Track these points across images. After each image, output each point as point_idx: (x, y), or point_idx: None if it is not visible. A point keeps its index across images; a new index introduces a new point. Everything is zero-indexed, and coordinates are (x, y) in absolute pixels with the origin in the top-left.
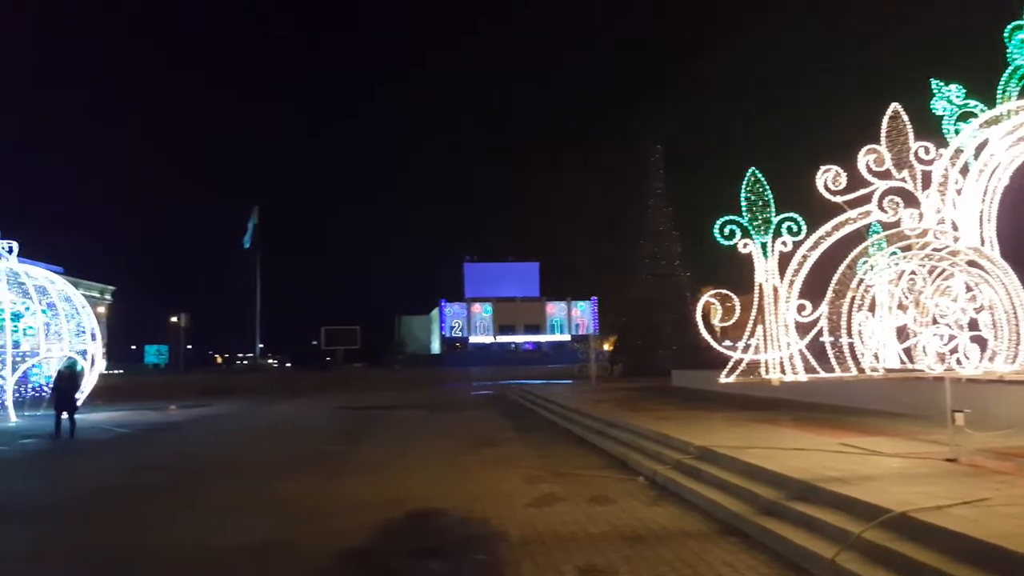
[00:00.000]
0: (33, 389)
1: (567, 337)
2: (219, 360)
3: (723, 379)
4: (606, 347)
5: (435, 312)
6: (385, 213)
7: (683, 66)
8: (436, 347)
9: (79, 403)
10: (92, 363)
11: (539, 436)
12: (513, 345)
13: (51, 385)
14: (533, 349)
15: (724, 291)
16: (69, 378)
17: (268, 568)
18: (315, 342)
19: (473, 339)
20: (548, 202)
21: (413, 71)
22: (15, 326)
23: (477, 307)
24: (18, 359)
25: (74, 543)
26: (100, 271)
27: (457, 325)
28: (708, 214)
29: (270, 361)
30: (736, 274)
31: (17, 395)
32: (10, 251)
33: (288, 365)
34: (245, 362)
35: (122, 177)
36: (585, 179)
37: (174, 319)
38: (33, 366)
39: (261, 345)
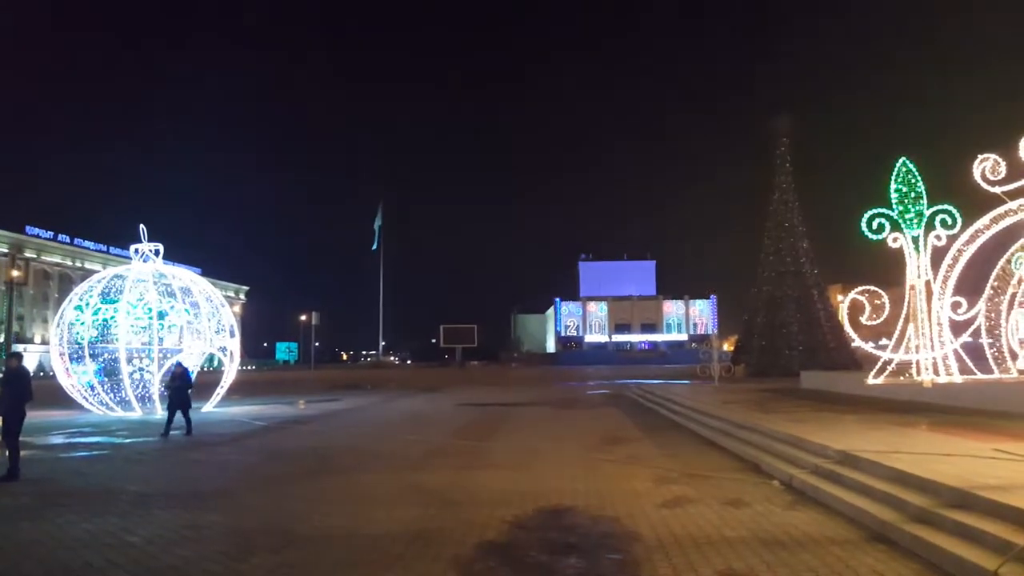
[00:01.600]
0: None
1: (684, 336)
2: (344, 357)
3: (871, 380)
4: (726, 347)
5: (550, 311)
6: (501, 214)
7: (810, 54)
8: (551, 346)
9: (219, 397)
10: (231, 359)
11: (665, 436)
12: (629, 344)
13: (165, 384)
14: (649, 348)
15: (872, 287)
16: (180, 376)
17: (419, 556)
18: (434, 340)
19: (588, 338)
20: (665, 199)
21: (529, 69)
22: (160, 324)
23: (592, 306)
24: (163, 356)
25: (230, 528)
26: (236, 273)
27: (572, 324)
28: (837, 209)
29: (392, 358)
30: (869, 270)
31: (162, 389)
32: (156, 253)
33: (408, 362)
34: (369, 359)
35: (256, 182)
36: (703, 175)
37: (303, 317)
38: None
39: (384, 342)
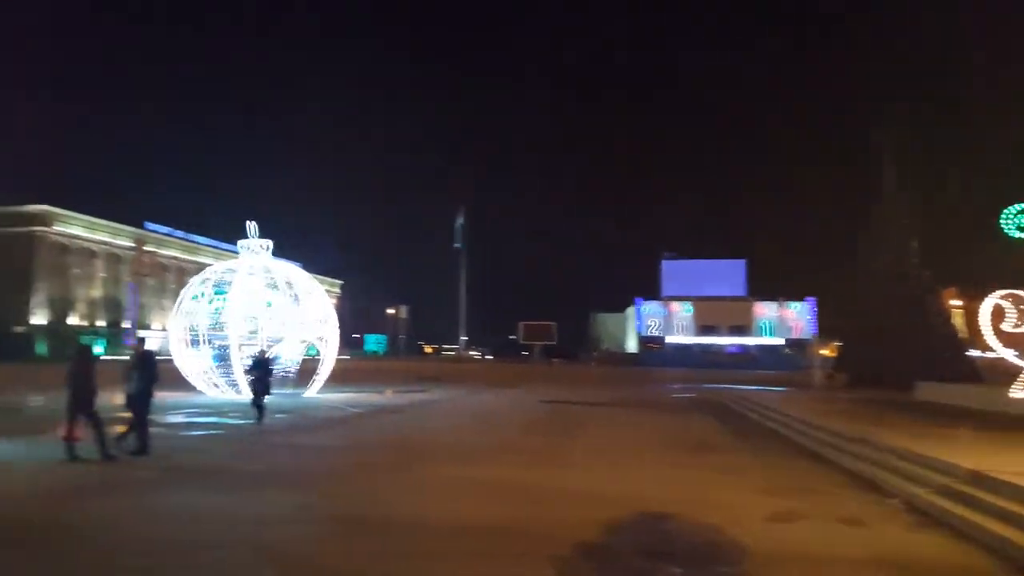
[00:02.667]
0: (281, 370)
1: (778, 341)
2: (428, 350)
3: (1014, 394)
4: (826, 353)
5: (629, 310)
6: (581, 210)
7: (921, 44)
8: (632, 346)
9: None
10: (329, 348)
11: (763, 445)
12: (716, 347)
13: (247, 370)
14: (739, 352)
15: (1018, 291)
16: (263, 364)
17: (513, 553)
18: (512, 336)
19: (671, 339)
20: (756, 194)
21: (602, 68)
22: (267, 314)
23: (676, 306)
24: (268, 344)
25: (332, 510)
26: (331, 268)
27: (654, 324)
28: (952, 206)
29: (473, 352)
30: (992, 273)
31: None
32: (264, 248)
33: (489, 357)
34: (451, 352)
35: (349, 180)
36: (799, 168)
37: (391, 311)
38: (279, 352)
39: (465, 337)
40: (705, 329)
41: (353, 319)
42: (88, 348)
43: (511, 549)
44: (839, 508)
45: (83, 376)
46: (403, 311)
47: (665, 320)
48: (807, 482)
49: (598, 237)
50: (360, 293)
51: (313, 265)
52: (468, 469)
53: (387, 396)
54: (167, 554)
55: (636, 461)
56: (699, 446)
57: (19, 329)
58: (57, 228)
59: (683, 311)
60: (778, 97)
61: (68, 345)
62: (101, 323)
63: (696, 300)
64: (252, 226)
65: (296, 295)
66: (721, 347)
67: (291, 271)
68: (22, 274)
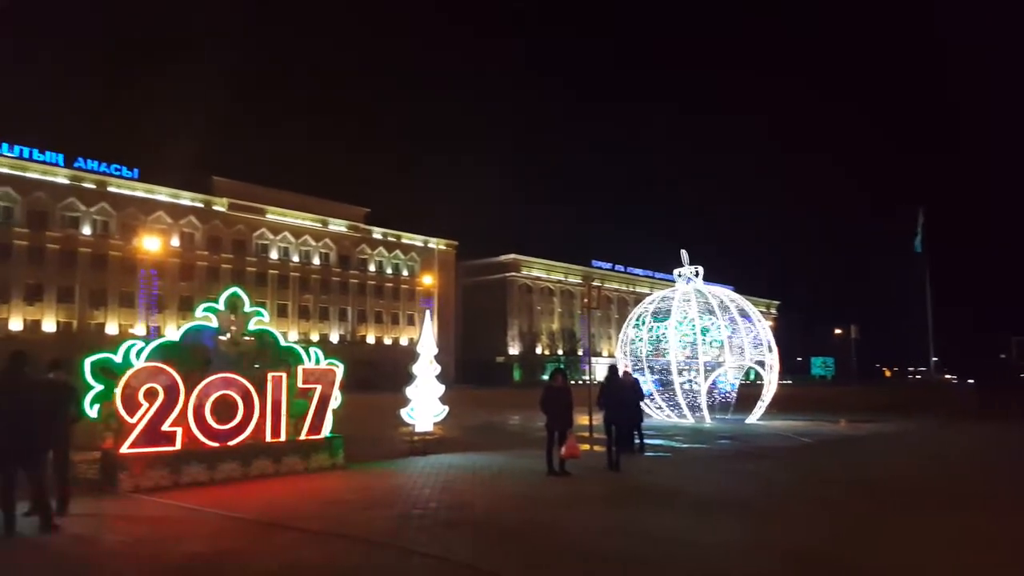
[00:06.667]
0: (720, 395)
1: None
2: (887, 373)
3: None
4: None
5: None
6: None
7: None
8: None
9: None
10: (770, 372)
11: None
12: None
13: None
14: None
15: None
16: (630, 387)
17: None
18: (1003, 355)
19: None
20: None
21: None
22: (704, 339)
23: None
24: (707, 369)
25: (787, 546)
26: (765, 288)
27: None
28: None
29: (948, 376)
30: None
31: (709, 400)
32: (697, 275)
33: (970, 381)
34: (917, 376)
35: (778, 197)
36: None
37: (838, 331)
38: (718, 376)
39: (935, 358)
40: None
41: (794, 341)
42: (564, 372)
43: None
44: None
45: (562, 399)
46: (853, 330)
47: None
48: None
49: None
50: (800, 312)
51: (746, 286)
52: (965, 519)
53: (842, 426)
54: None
55: None
56: None
57: (499, 359)
58: (523, 272)
59: None
60: None
61: (537, 372)
62: (560, 352)
63: None
64: (684, 255)
65: (732, 319)
66: None
67: (725, 295)
68: (500, 313)
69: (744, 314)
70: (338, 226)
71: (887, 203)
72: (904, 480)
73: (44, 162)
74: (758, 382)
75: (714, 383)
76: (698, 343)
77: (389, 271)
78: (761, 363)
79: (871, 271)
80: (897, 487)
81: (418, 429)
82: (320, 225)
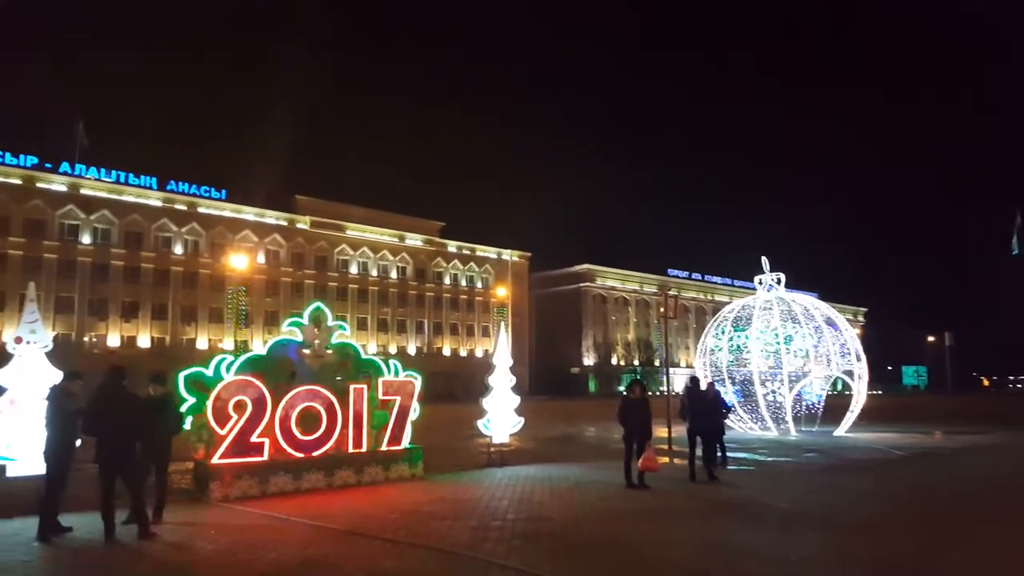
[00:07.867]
0: (806, 406)
1: None
2: (986, 383)
3: None
4: None
5: None
6: None
7: None
8: None
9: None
10: (859, 382)
11: None
12: None
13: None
14: None
15: None
16: (711, 399)
17: None
18: None
19: None
20: None
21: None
22: (787, 348)
23: None
24: (792, 379)
25: (883, 562)
26: (850, 295)
27: None
28: None
29: None
30: None
31: (794, 411)
32: (778, 282)
33: None
34: (1019, 385)
35: (866, 199)
36: None
37: (931, 338)
38: (804, 387)
39: None
40: None
41: (884, 350)
42: (641, 383)
43: None
44: None
45: (640, 410)
46: (947, 337)
47: None
48: None
49: None
50: (890, 319)
51: (831, 294)
52: None
53: (936, 438)
54: None
55: None
56: None
57: (574, 370)
58: (598, 282)
59: None
60: None
61: (612, 383)
62: (636, 362)
63: None
64: (765, 261)
65: (817, 327)
66: None
67: (808, 302)
68: (574, 323)
69: (830, 322)
70: (414, 240)
71: (984, 202)
72: (1002, 493)
73: (139, 186)
74: (846, 393)
75: (799, 394)
76: (781, 352)
77: (464, 283)
78: (849, 373)
79: (967, 275)
80: (994, 501)
81: (495, 440)
82: (397, 240)
